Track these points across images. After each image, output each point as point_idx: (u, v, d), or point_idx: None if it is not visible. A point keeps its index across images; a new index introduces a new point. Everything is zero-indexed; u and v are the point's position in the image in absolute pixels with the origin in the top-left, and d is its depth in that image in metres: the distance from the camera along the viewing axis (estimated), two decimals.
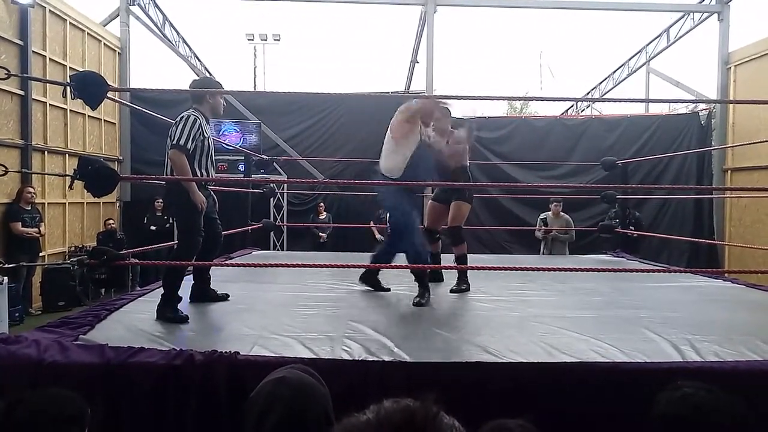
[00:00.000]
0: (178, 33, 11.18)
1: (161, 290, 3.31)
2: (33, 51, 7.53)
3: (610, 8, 10.81)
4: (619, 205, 7.38)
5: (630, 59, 11.98)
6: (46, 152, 7.96)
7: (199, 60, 11.83)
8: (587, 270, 4.52)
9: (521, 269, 4.55)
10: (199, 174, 3.44)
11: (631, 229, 7.91)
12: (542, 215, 8.06)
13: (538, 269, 4.19)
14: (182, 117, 3.43)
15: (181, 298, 3.33)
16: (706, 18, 10.12)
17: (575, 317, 3.32)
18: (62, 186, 8.29)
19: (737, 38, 9.87)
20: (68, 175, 3.08)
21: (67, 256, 8.35)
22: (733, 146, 9.38)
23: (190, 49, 11.61)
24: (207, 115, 3.58)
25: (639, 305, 3.70)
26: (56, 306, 7.46)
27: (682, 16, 10.51)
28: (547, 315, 3.38)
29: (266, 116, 10.01)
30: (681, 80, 10.96)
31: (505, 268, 4.76)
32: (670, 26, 10.83)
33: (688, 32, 10.53)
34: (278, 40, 16.98)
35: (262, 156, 7.61)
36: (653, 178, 10.02)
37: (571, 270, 4.40)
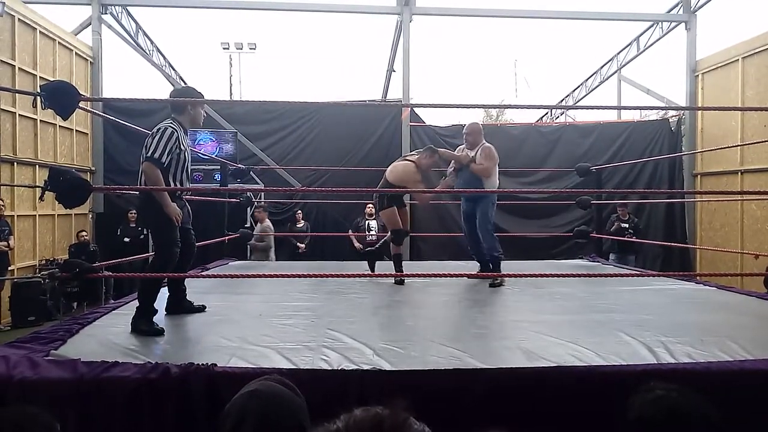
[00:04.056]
0: (152, 42, 11.07)
1: (136, 303, 3.25)
2: (1, 60, 7.38)
3: (581, 18, 11.05)
4: (596, 211, 7.50)
5: (602, 67, 12.22)
6: (15, 163, 7.79)
7: (174, 69, 11.72)
8: (563, 275, 4.58)
9: (498, 276, 4.58)
10: (173, 186, 3.39)
11: (629, 233, 8.19)
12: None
13: (515, 275, 4.23)
14: (159, 128, 3.37)
15: (156, 310, 3.27)
16: (674, 27, 10.40)
17: (552, 321, 3.35)
18: (32, 198, 8.11)
19: (704, 47, 10.19)
20: (39, 187, 3.02)
21: (37, 270, 8.17)
22: (701, 152, 9.62)
23: (164, 58, 11.50)
24: (185, 126, 3.54)
25: (614, 308, 3.76)
26: (26, 321, 7.27)
27: (651, 25, 10.78)
28: (525, 320, 3.42)
29: (242, 125, 9.95)
30: (651, 88, 11.23)
31: (482, 275, 4.79)
32: (640, 35, 11.09)
33: (657, 41, 10.80)
34: (254, 48, 16.91)
35: (239, 165, 7.55)
36: (627, 184, 10.20)
37: (547, 276, 4.45)
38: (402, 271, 4.89)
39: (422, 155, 5.06)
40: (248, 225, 8.21)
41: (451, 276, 4.85)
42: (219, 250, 7.08)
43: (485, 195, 4.92)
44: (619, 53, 11.74)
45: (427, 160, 5.02)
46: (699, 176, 9.98)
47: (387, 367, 2.45)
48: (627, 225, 8.47)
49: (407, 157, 5.17)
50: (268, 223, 8.14)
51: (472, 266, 6.20)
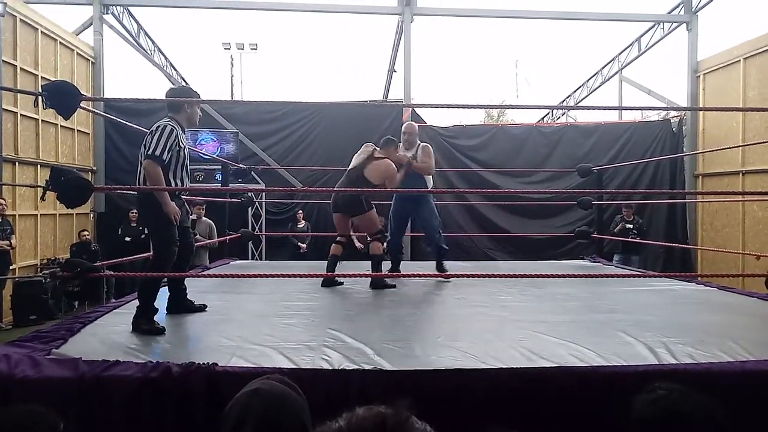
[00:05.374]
0: (153, 42, 11.08)
1: (136, 302, 3.25)
2: (3, 60, 7.39)
3: (582, 18, 11.05)
4: (597, 212, 7.48)
5: (603, 68, 12.22)
6: (16, 163, 7.80)
7: (175, 69, 11.73)
8: (564, 276, 4.58)
9: (498, 276, 4.58)
10: (173, 185, 3.40)
11: (634, 234, 8.21)
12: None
13: (516, 276, 4.23)
14: (159, 126, 3.38)
15: (157, 309, 3.27)
16: (675, 27, 10.39)
17: (553, 322, 3.35)
18: (34, 197, 8.12)
19: (706, 47, 10.17)
20: (40, 186, 3.02)
21: (39, 269, 8.18)
22: (703, 152, 9.61)
23: (166, 58, 11.51)
24: (183, 125, 3.54)
25: (615, 309, 3.76)
26: (28, 320, 7.28)
27: (653, 26, 10.78)
28: (526, 320, 3.41)
29: (243, 125, 9.95)
30: (653, 88, 11.22)
31: (482, 275, 4.79)
32: (641, 35, 11.09)
33: (658, 41, 10.80)
34: (255, 49, 16.89)
35: (240, 165, 7.55)
36: (628, 185, 10.20)
37: (548, 276, 4.44)
38: (381, 272, 4.71)
39: (390, 150, 4.86)
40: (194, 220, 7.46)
41: (455, 275, 4.85)
42: (220, 250, 7.09)
43: (427, 193, 5.22)
44: (620, 54, 11.73)
45: (396, 154, 4.92)
46: (700, 177, 9.97)
47: (388, 366, 2.45)
48: (631, 226, 8.48)
49: (376, 155, 4.78)
50: (208, 221, 7.69)
51: (471, 266, 6.21)
